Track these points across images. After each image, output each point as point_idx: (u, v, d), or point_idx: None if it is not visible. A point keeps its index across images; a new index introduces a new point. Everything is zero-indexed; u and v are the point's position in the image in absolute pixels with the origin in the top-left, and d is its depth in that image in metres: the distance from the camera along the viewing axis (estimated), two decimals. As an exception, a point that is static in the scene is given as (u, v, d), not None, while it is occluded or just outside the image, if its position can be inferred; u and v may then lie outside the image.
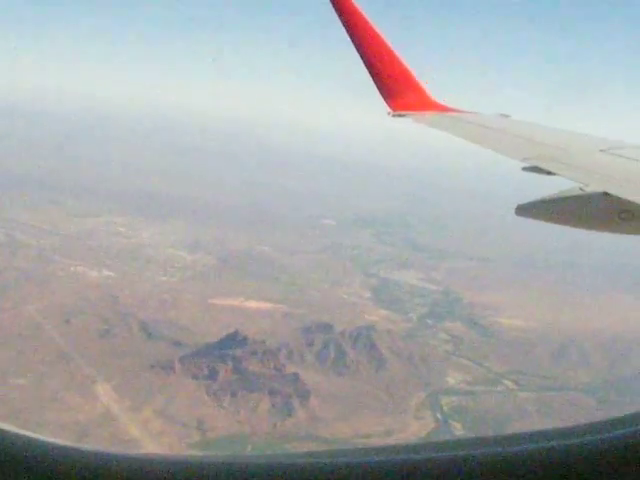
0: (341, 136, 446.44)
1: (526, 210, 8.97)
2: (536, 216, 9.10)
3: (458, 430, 78.98)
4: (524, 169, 9.76)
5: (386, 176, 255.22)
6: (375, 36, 13.26)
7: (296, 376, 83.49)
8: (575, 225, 9.05)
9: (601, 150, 9.94)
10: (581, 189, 8.52)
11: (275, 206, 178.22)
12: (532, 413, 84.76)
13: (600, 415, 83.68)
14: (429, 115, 13.42)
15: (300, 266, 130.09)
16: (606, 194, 8.01)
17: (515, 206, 9.02)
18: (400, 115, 13.39)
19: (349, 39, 13.22)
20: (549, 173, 9.13)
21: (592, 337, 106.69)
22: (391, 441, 74.88)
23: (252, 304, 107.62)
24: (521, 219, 9.15)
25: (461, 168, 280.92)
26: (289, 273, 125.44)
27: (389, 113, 13.39)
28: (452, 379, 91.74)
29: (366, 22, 13.12)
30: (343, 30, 13.09)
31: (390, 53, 13.43)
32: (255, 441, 72.32)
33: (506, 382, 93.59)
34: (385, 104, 13.45)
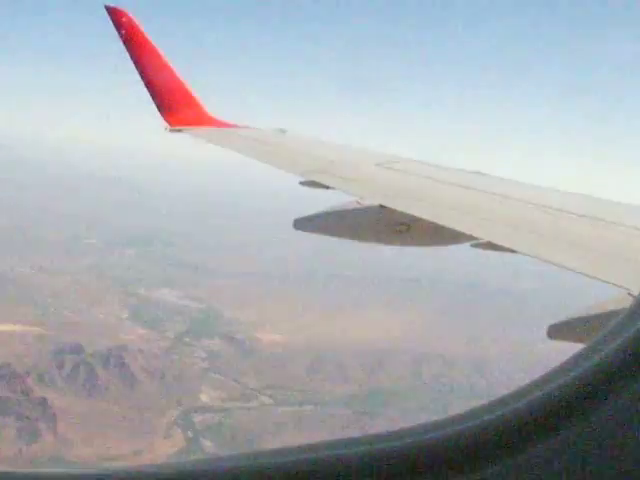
0: (108, 153, 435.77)
1: (304, 224, 8.93)
2: (314, 229, 9.06)
3: (209, 447, 79.78)
4: (302, 183, 9.83)
5: (155, 194, 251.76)
6: (152, 51, 13.30)
7: (43, 400, 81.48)
8: (352, 237, 9.03)
9: (377, 164, 10.15)
10: (358, 202, 8.57)
11: (36, 227, 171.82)
12: (288, 427, 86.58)
13: (356, 427, 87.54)
14: (206, 130, 13.43)
15: (59, 287, 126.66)
16: (382, 207, 8.12)
17: (292, 220, 8.99)
18: (177, 130, 13.35)
19: (127, 54, 13.22)
20: (327, 187, 9.33)
21: (350, 350, 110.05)
22: (139, 461, 74.90)
23: (5, 327, 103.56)
24: (299, 234, 9.14)
25: (239, 184, 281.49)
26: (46, 295, 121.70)
27: (166, 128, 13.34)
28: (206, 397, 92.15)
29: (144, 38, 13.22)
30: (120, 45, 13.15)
31: (167, 68, 13.47)
32: (-3, 469, 70.03)
33: (262, 398, 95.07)
34: (163, 120, 13.43)
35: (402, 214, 7.90)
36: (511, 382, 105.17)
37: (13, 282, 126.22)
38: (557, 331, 6.51)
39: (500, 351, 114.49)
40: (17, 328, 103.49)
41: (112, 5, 13.39)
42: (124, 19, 13.12)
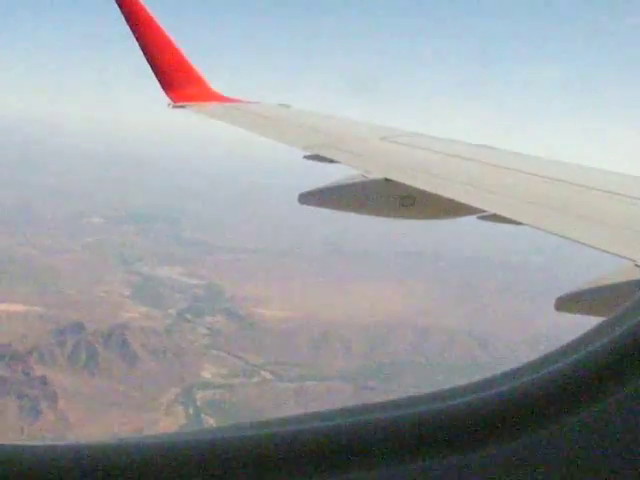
0: (113, 130, 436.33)
1: (309, 198, 8.85)
2: (319, 204, 8.95)
3: (210, 424, 79.66)
4: (306, 157, 9.68)
5: (158, 171, 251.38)
6: (155, 27, 13.10)
7: (44, 379, 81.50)
8: (358, 211, 8.97)
9: (381, 138, 10.05)
10: (363, 176, 8.54)
11: (37, 205, 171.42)
12: (289, 403, 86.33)
13: (357, 401, 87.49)
14: (210, 106, 13.28)
15: (61, 266, 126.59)
16: (387, 180, 8.08)
17: (298, 195, 8.90)
18: (181, 106, 13.19)
19: (130, 30, 12.99)
20: (331, 161, 9.24)
21: (353, 325, 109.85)
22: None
23: (6, 307, 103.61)
24: (305, 208, 9.05)
25: (246, 159, 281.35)
26: (48, 274, 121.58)
27: (169, 104, 13.20)
28: (208, 373, 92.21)
29: (146, 13, 12.95)
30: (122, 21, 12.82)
31: (170, 44, 13.29)
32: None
33: (264, 373, 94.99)
34: (166, 96, 13.28)
35: (407, 187, 7.84)
36: (515, 357, 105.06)
37: (14, 261, 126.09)
38: (565, 303, 6.43)
39: (504, 325, 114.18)
40: (18, 308, 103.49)
41: None
42: None
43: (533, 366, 1.75)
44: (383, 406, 1.64)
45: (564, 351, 1.71)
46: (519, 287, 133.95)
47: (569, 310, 6.48)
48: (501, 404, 1.59)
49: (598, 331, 1.65)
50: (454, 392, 1.69)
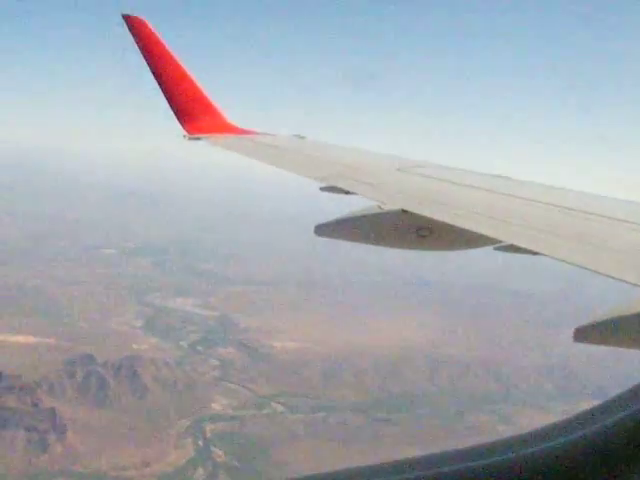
0: (128, 164, 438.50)
1: (325, 230, 8.75)
2: (335, 235, 8.85)
3: (219, 457, 79.09)
4: (322, 189, 9.58)
5: (172, 203, 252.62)
6: (170, 59, 13.18)
7: (53, 411, 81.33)
8: (375, 243, 8.86)
9: (398, 169, 10.08)
10: (379, 207, 8.46)
11: (53, 237, 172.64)
12: (300, 435, 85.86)
13: (369, 434, 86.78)
14: (225, 138, 13.30)
15: (74, 298, 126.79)
16: (404, 211, 8.02)
17: (313, 227, 8.73)
18: (196, 138, 13.20)
19: (145, 62, 13.05)
20: (347, 192, 9.14)
21: (365, 356, 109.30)
22: (148, 472, 74.52)
23: (18, 339, 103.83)
24: (320, 240, 8.96)
25: (259, 192, 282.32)
26: (61, 306, 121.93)
27: (185, 136, 13.16)
28: (218, 405, 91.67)
29: (162, 45, 13.07)
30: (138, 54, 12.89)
31: (185, 76, 13.31)
32: (7, 480, 70.07)
33: (274, 405, 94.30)
34: (181, 128, 13.25)
35: (424, 218, 7.68)
36: (527, 386, 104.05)
37: (28, 294, 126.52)
38: (584, 334, 6.08)
39: (518, 355, 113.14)
40: (30, 339, 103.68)
41: (129, 14, 13.23)
42: (142, 27, 12.99)
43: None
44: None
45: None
46: (533, 317, 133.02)
47: (588, 341, 6.17)
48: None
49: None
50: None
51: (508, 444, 1.62)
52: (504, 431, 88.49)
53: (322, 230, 8.71)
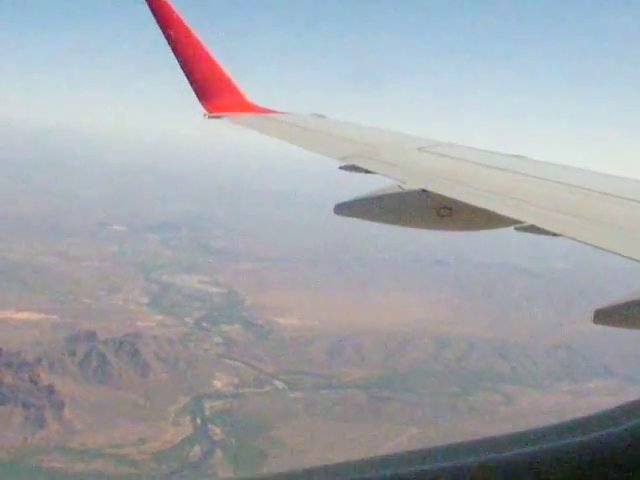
0: (142, 141, 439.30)
1: (345, 209, 8.73)
2: (355, 214, 8.92)
3: (217, 435, 78.55)
4: (341, 168, 9.61)
5: (188, 181, 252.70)
6: (191, 37, 13.14)
7: (51, 387, 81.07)
8: (394, 222, 8.95)
9: (418, 148, 10.02)
10: (399, 186, 8.44)
11: (64, 214, 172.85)
12: (299, 413, 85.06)
13: (370, 412, 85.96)
14: (245, 116, 13.37)
15: (81, 274, 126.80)
16: (424, 191, 8.00)
17: (329, 205, 8.78)
18: (216, 117, 13.26)
19: (165, 41, 13.04)
20: (367, 171, 9.08)
21: (372, 333, 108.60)
22: (144, 448, 74.11)
23: (22, 315, 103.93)
24: (335, 219, 9.03)
25: (279, 170, 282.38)
26: (68, 282, 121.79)
27: (205, 115, 13.25)
28: (219, 382, 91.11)
29: (182, 24, 12.98)
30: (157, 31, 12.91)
31: (206, 55, 13.30)
32: (2, 457, 69.87)
33: (276, 383, 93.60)
34: (201, 106, 13.30)
35: (445, 198, 7.78)
36: (533, 365, 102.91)
37: (34, 270, 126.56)
38: (605, 316, 6.10)
39: (525, 334, 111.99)
40: (34, 316, 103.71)
41: None
42: (163, 5, 12.99)
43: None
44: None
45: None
46: (546, 296, 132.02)
47: (609, 323, 6.15)
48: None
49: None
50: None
51: (507, 442, 1.65)
52: (505, 413, 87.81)
53: (342, 209, 8.73)
